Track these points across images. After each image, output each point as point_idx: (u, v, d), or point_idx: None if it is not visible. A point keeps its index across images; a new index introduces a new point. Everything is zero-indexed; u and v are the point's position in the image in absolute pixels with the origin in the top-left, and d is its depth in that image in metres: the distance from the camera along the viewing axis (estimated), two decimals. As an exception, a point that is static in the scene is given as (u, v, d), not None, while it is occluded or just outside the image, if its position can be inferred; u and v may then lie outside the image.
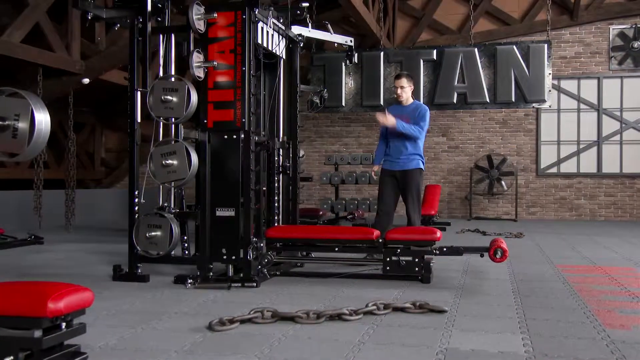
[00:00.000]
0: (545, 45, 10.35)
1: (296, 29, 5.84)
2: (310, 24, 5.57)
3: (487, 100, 10.45)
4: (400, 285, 4.84)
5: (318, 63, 11.30)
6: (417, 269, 4.98)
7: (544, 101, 10.31)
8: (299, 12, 5.35)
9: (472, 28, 10.87)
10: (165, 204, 4.99)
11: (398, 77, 6.45)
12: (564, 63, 13.15)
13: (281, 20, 5.45)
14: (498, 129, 13.38)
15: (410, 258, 5.00)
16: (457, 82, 10.53)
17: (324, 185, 12.16)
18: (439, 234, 5.03)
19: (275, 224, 5.88)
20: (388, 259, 5.02)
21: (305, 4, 5.25)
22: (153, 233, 4.82)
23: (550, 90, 10.38)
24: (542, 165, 13.20)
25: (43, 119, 2.95)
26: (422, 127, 6.25)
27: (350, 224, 9.54)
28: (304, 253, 5.89)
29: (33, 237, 7.98)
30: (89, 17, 4.94)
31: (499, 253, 4.75)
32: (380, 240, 5.09)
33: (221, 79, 4.84)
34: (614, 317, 3.81)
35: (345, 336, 3.30)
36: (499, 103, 10.54)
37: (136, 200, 4.99)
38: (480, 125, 13.45)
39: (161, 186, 4.96)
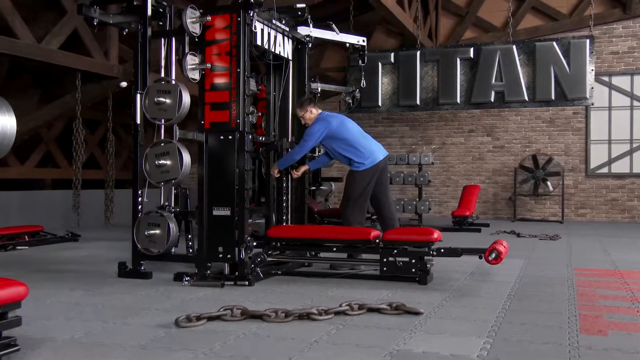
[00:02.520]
0: (588, 41, 9.99)
1: (304, 30, 5.87)
2: (311, 24, 5.58)
3: (526, 98, 10.18)
4: (394, 286, 4.79)
5: (355, 63, 11.22)
6: (413, 269, 4.91)
7: (585, 99, 9.94)
8: (299, 13, 5.38)
9: (511, 24, 10.62)
10: (166, 203, 5.13)
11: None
12: (615, 58, 12.62)
13: (283, 22, 5.50)
14: (545, 128, 12.98)
15: (407, 259, 4.95)
16: (495, 81, 10.31)
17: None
18: (436, 234, 4.95)
19: (284, 224, 5.94)
20: (385, 260, 4.98)
21: (301, 5, 5.27)
22: (152, 231, 4.95)
23: (592, 88, 10.01)
24: (592, 165, 12.71)
25: (8, 122, 3.10)
26: (305, 140, 5.84)
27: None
28: (312, 253, 5.90)
29: (70, 234, 8.34)
30: (95, 23, 5.13)
31: (494, 255, 4.63)
32: (377, 240, 5.06)
33: (217, 80, 4.93)
34: (598, 323, 3.66)
35: (305, 335, 3.30)
36: (538, 102, 10.24)
37: (139, 199, 5.14)
38: (526, 125, 13.09)
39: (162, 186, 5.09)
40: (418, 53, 10.84)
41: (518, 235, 9.17)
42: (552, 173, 12.40)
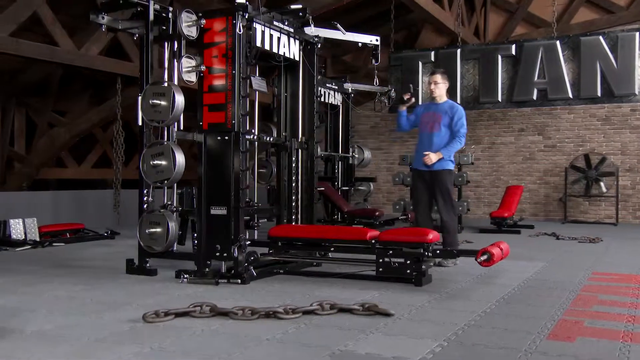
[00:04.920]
0: (637, 34, 9.47)
1: (313, 30, 5.88)
2: (312, 24, 5.58)
3: (570, 96, 9.76)
4: (386, 287, 4.74)
5: (395, 63, 11.19)
6: (408, 270, 4.85)
7: (634, 95, 9.44)
8: (300, 14, 5.39)
9: (555, 19, 10.24)
10: (169, 202, 5.27)
11: (433, 73, 6.49)
12: (677, 52, 11.91)
13: (286, 23, 5.53)
14: (600, 126, 12.42)
15: (402, 260, 4.88)
16: (538, 78, 9.94)
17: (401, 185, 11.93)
18: (431, 235, 4.87)
19: (293, 223, 5.99)
20: (380, 260, 4.94)
21: (297, 6, 5.28)
22: (152, 229, 5.10)
23: (642, 83, 9.49)
24: (651, 164, 12.07)
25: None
26: (462, 136, 6.20)
27: (408, 224, 9.34)
28: (321, 253, 5.90)
29: (110, 232, 8.68)
30: (104, 29, 5.34)
31: (485, 257, 4.51)
32: (374, 241, 5.02)
33: (215, 82, 5.03)
34: (572, 329, 3.51)
35: (261, 333, 3.33)
36: (583, 99, 9.80)
37: (145, 198, 5.30)
38: (579, 123, 12.57)
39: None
40: (458, 51, 10.60)
41: (557, 237, 8.83)
42: (605, 173, 11.86)
